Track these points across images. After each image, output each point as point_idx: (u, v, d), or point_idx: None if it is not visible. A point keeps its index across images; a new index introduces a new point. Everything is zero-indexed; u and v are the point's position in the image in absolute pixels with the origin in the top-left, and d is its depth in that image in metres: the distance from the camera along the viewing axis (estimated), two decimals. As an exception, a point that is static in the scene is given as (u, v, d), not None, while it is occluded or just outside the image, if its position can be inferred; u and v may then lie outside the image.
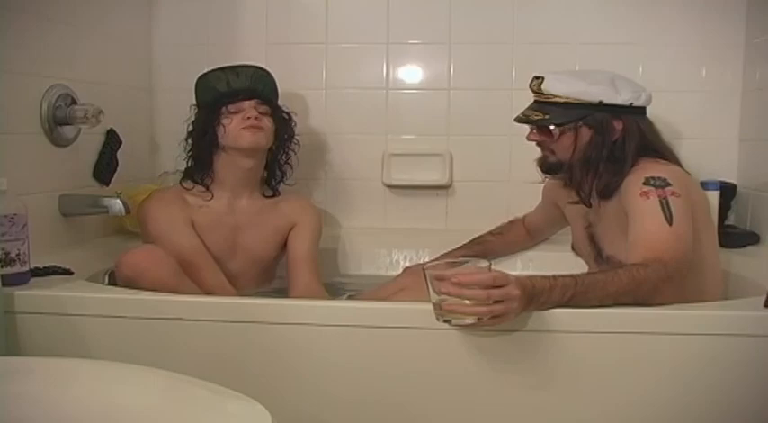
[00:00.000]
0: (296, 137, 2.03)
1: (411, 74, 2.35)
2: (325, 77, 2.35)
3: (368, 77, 2.35)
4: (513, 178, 2.29)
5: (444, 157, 2.32)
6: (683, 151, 1.85)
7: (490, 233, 2.07)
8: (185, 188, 1.92)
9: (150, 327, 1.39)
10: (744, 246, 1.98)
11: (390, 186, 2.36)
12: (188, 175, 1.94)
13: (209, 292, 1.74)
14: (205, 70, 1.97)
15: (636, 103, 1.61)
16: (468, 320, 1.23)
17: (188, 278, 1.67)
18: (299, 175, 2.17)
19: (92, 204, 1.86)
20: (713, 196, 1.93)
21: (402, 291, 1.76)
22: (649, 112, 1.67)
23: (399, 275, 1.97)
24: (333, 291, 1.99)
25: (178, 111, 2.00)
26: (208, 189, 1.92)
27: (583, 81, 1.61)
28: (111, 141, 2.05)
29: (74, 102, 1.86)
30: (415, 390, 1.35)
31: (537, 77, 1.66)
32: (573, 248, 1.84)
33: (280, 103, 2.00)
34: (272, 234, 1.96)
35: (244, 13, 2.34)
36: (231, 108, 1.88)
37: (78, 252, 1.82)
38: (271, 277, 2.03)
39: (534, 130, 1.67)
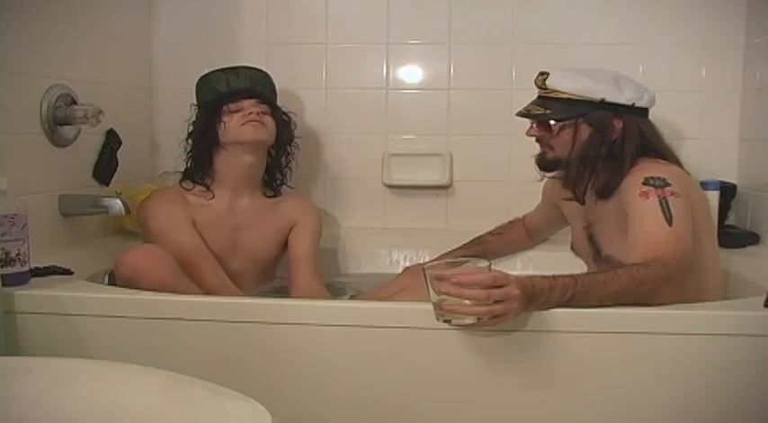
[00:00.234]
0: (295, 139, 2.04)
1: (411, 74, 2.35)
2: (325, 77, 2.35)
3: (368, 77, 2.35)
4: (513, 178, 2.30)
5: (444, 157, 2.32)
6: (683, 151, 1.85)
7: (490, 233, 2.07)
8: (185, 188, 1.92)
9: (150, 327, 1.39)
10: (744, 246, 1.98)
11: (390, 186, 2.36)
12: (187, 175, 1.94)
13: (209, 290, 1.74)
14: (205, 70, 1.98)
15: (638, 104, 1.61)
16: (468, 320, 1.23)
17: (188, 278, 1.67)
18: (299, 175, 2.17)
19: (92, 204, 1.87)
20: (713, 196, 1.93)
21: (403, 291, 1.76)
22: (651, 113, 1.67)
23: (399, 275, 1.97)
24: (333, 291, 1.99)
25: (178, 111, 2.00)
26: (208, 189, 1.92)
27: (587, 78, 1.62)
28: (111, 141, 2.05)
29: (74, 102, 1.86)
30: (415, 390, 1.35)
31: (542, 73, 1.66)
32: (572, 248, 1.84)
33: (279, 104, 2.01)
34: (273, 234, 1.96)
35: (244, 13, 2.34)
36: (232, 106, 1.89)
37: (78, 252, 1.82)
38: (271, 277, 2.03)
39: (534, 125, 1.67)
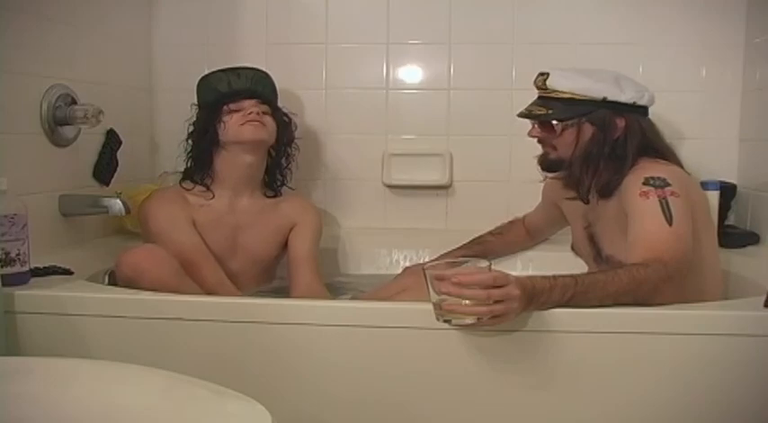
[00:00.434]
0: (296, 140, 2.04)
1: (411, 74, 2.35)
2: (325, 77, 2.35)
3: (368, 77, 2.35)
4: (513, 178, 2.30)
5: (444, 157, 2.32)
6: (683, 151, 1.85)
7: (490, 233, 2.07)
8: (185, 188, 1.92)
9: (150, 327, 1.39)
10: (744, 246, 1.98)
11: (390, 186, 2.36)
12: (187, 175, 1.94)
13: (209, 290, 1.74)
14: (205, 70, 1.98)
15: (639, 103, 1.62)
16: (468, 320, 1.23)
17: (188, 278, 1.67)
18: (299, 175, 2.17)
19: (92, 204, 1.86)
20: (713, 196, 1.93)
21: (404, 291, 1.76)
22: (651, 113, 1.67)
23: (399, 275, 1.97)
24: (333, 291, 1.99)
25: (178, 111, 2.00)
26: (208, 189, 1.92)
27: (588, 78, 1.62)
28: (111, 141, 2.05)
29: (74, 102, 1.86)
30: (415, 390, 1.35)
31: (542, 73, 1.66)
32: (572, 248, 1.84)
33: (280, 104, 2.01)
34: (273, 234, 1.96)
35: (244, 13, 2.34)
36: (232, 106, 1.89)
37: (78, 252, 1.82)
38: (271, 277, 2.03)
39: (536, 126, 1.67)
